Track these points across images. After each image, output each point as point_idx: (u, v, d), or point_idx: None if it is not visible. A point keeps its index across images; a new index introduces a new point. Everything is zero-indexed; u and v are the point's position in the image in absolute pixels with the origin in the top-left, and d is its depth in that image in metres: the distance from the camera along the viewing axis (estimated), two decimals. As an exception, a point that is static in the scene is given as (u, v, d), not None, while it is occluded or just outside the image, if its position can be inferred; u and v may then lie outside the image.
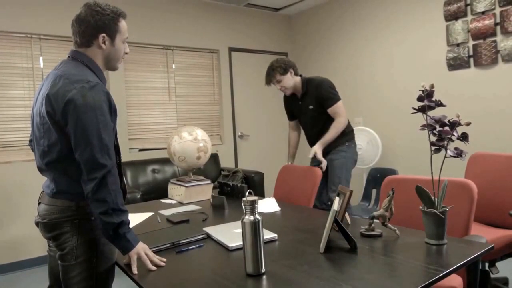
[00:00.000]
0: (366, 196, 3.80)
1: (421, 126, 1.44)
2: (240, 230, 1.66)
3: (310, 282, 1.12)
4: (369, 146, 4.10)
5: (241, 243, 1.44)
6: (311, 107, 2.76)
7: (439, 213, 1.35)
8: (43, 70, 3.62)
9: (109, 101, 1.32)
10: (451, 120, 1.38)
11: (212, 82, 4.76)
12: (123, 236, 1.30)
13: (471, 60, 3.55)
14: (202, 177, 2.57)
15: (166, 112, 4.39)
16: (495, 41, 3.36)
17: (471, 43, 3.53)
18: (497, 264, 2.13)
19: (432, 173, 1.49)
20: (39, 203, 1.42)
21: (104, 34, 1.39)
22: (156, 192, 3.80)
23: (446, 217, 1.37)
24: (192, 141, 2.44)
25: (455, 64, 3.66)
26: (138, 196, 3.25)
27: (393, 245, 1.40)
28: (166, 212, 2.19)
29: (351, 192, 1.61)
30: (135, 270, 1.29)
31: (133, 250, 1.32)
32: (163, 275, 1.26)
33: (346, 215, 1.71)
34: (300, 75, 2.81)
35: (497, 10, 3.34)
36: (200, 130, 2.54)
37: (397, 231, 1.49)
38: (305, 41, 5.26)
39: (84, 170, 1.27)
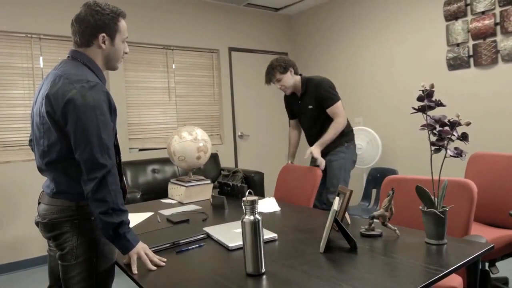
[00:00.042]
0: (366, 196, 3.80)
1: (421, 126, 1.44)
2: (240, 230, 1.66)
3: (310, 282, 1.12)
4: (369, 146, 4.10)
5: (241, 243, 1.44)
6: (310, 107, 2.74)
7: (439, 213, 1.35)
8: (43, 70, 3.62)
9: (109, 101, 1.32)
10: (451, 120, 1.38)
11: (212, 82, 4.76)
12: (123, 236, 1.30)
13: (471, 60, 3.55)
14: (202, 177, 2.57)
15: (166, 112, 4.39)
16: (495, 41, 3.36)
17: (471, 43, 3.53)
18: (497, 264, 2.13)
19: (432, 173, 1.49)
20: (39, 203, 1.42)
21: (104, 34, 1.39)
22: (156, 192, 3.79)
23: (446, 217, 1.37)
24: (192, 141, 2.44)
25: (455, 64, 3.66)
26: (138, 196, 3.25)
27: (393, 245, 1.40)
28: (166, 212, 2.19)
29: (351, 192, 1.61)
30: (135, 270, 1.29)
31: (133, 250, 1.32)
32: (163, 275, 1.26)
33: (346, 215, 1.71)
34: (300, 74, 2.80)
35: (497, 10, 3.34)
36: (200, 130, 2.54)
37: (397, 231, 1.49)
38: (305, 41, 5.26)
39: (84, 170, 1.26)
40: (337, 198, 1.49)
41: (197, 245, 1.53)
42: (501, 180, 2.27)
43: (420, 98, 1.41)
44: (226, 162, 4.77)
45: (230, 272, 1.24)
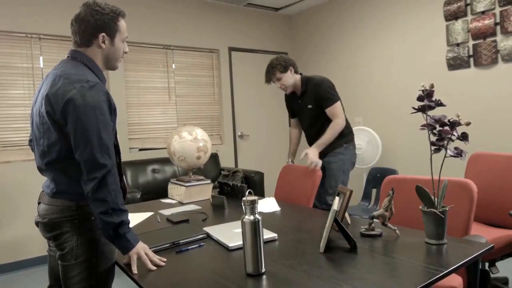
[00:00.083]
0: (366, 196, 3.80)
1: (421, 126, 1.44)
2: (240, 230, 1.66)
3: (310, 282, 1.12)
4: (369, 146, 4.10)
5: (241, 243, 1.44)
6: (309, 107, 2.73)
7: (439, 213, 1.35)
8: (43, 70, 3.62)
9: (108, 101, 1.32)
10: (451, 120, 1.38)
11: (212, 82, 4.76)
12: (123, 236, 1.30)
13: (471, 60, 3.55)
14: (202, 177, 2.57)
15: (166, 112, 4.39)
16: (495, 41, 3.36)
17: (471, 43, 3.53)
18: (497, 264, 2.13)
19: (432, 173, 1.49)
20: (39, 203, 1.42)
21: (104, 34, 1.39)
22: (156, 192, 3.80)
23: (446, 217, 1.37)
24: (192, 141, 2.44)
25: (455, 64, 3.66)
26: (138, 196, 3.25)
27: (393, 245, 1.40)
28: (166, 212, 2.19)
29: (351, 192, 1.61)
30: (135, 270, 1.29)
31: (133, 250, 1.32)
32: (163, 275, 1.26)
33: (346, 215, 1.71)
34: (300, 74, 2.79)
35: (497, 10, 3.34)
36: (200, 130, 2.54)
37: (397, 231, 1.49)
38: (305, 41, 5.26)
39: (84, 170, 1.26)
40: (337, 198, 1.49)
41: (197, 245, 1.53)
42: (501, 180, 2.27)
43: (420, 98, 1.41)
44: (226, 162, 4.77)
45: (230, 272, 1.24)
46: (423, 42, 3.91)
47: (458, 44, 3.62)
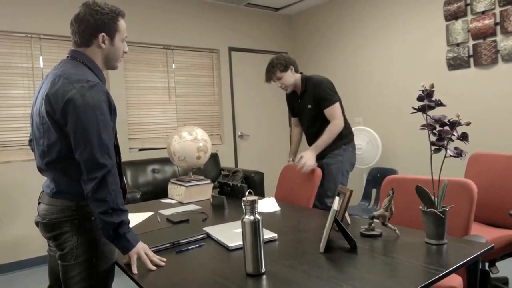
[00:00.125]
0: (366, 196, 3.80)
1: (421, 126, 1.44)
2: (240, 230, 1.66)
3: (310, 282, 1.12)
4: (369, 146, 4.10)
5: (241, 243, 1.44)
6: (309, 107, 2.70)
7: (439, 213, 1.35)
8: (43, 70, 3.62)
9: (108, 101, 1.32)
10: (451, 120, 1.38)
11: (212, 82, 4.76)
12: (123, 236, 1.30)
13: (471, 60, 3.55)
14: (202, 177, 2.57)
15: (166, 112, 4.39)
16: (495, 41, 3.36)
17: (471, 43, 3.53)
18: (497, 264, 2.13)
19: (432, 173, 1.49)
20: (39, 203, 1.42)
21: (103, 34, 1.39)
22: (156, 192, 3.80)
23: (446, 217, 1.37)
24: (192, 141, 2.44)
25: (455, 64, 3.66)
26: (138, 196, 3.25)
27: (393, 245, 1.40)
28: (166, 212, 2.19)
29: (351, 192, 1.61)
30: (135, 270, 1.29)
31: (133, 250, 1.32)
32: (163, 275, 1.26)
33: (346, 215, 1.71)
34: (301, 73, 2.76)
35: (497, 10, 3.34)
36: (200, 129, 2.54)
37: (397, 231, 1.49)
38: (305, 41, 5.26)
39: (84, 170, 1.26)
40: (337, 198, 1.49)
41: (197, 245, 1.53)
42: (501, 180, 2.27)
43: (420, 98, 1.41)
44: (226, 162, 4.77)
45: (230, 272, 1.24)
46: (423, 42, 3.91)
47: (458, 44, 3.62)
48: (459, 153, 1.37)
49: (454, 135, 1.36)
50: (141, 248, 1.34)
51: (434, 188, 1.51)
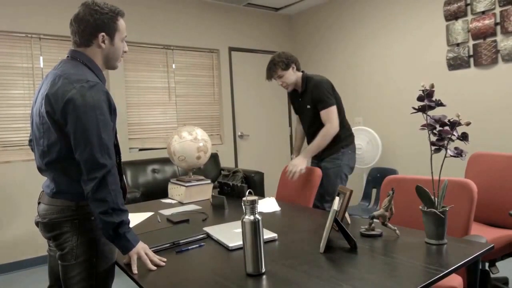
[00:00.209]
0: (366, 196, 3.80)
1: (421, 126, 1.44)
2: (240, 230, 1.66)
3: (310, 282, 1.12)
4: (369, 146, 4.10)
5: (241, 243, 1.44)
6: (308, 107, 2.67)
7: (439, 213, 1.35)
8: (43, 70, 3.62)
9: (108, 101, 1.32)
10: (451, 120, 1.38)
11: (212, 82, 4.76)
12: (123, 236, 1.30)
13: (471, 60, 3.55)
14: (202, 177, 2.57)
15: (166, 112, 4.39)
16: (495, 41, 3.36)
17: (471, 43, 3.53)
18: (497, 264, 2.13)
19: (432, 173, 1.49)
20: (39, 203, 1.42)
21: (103, 33, 1.39)
22: (156, 192, 3.80)
23: (446, 217, 1.37)
24: (192, 141, 2.44)
25: (455, 64, 3.66)
26: (138, 196, 3.25)
27: (393, 245, 1.40)
28: (166, 212, 2.19)
29: (351, 192, 1.61)
30: (135, 270, 1.29)
31: (133, 250, 1.32)
32: (163, 275, 1.26)
33: (346, 215, 1.71)
34: (302, 71, 2.71)
35: (497, 10, 3.34)
36: (200, 129, 2.54)
37: (397, 231, 1.49)
38: (305, 41, 5.26)
39: (84, 170, 1.26)
40: (337, 198, 1.49)
41: (197, 245, 1.53)
42: (501, 180, 2.27)
43: (420, 98, 1.41)
44: (226, 162, 4.77)
45: (230, 272, 1.24)
46: (423, 42, 3.91)
47: (458, 44, 3.62)
48: (459, 153, 1.37)
49: (454, 135, 1.36)
50: (141, 248, 1.34)
51: (434, 188, 1.51)
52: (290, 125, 5.47)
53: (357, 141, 3.93)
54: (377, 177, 3.74)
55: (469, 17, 3.52)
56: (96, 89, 1.28)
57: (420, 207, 1.42)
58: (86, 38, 1.38)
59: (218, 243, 1.55)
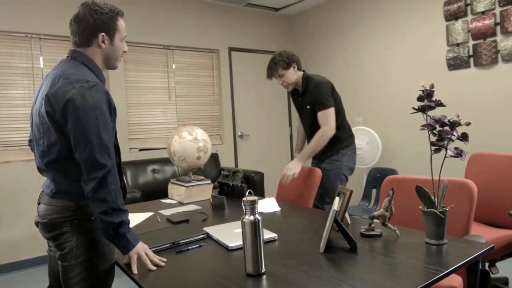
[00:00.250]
0: (366, 196, 3.80)
1: (421, 126, 1.44)
2: (240, 230, 1.66)
3: (310, 282, 1.12)
4: (369, 146, 4.10)
5: (241, 243, 1.44)
6: (308, 107, 2.65)
7: (439, 213, 1.35)
8: (43, 70, 3.62)
9: (108, 101, 1.32)
10: (451, 120, 1.38)
11: (212, 82, 4.76)
12: (123, 236, 1.30)
13: (471, 60, 3.55)
14: (202, 177, 2.57)
15: (166, 112, 4.39)
16: (495, 41, 3.36)
17: (471, 43, 3.53)
18: (497, 264, 2.13)
19: (432, 173, 1.49)
20: (38, 203, 1.42)
21: (103, 33, 1.39)
22: (156, 192, 3.80)
23: (446, 217, 1.37)
24: (192, 141, 2.44)
25: (455, 64, 3.66)
26: (138, 196, 3.25)
27: (393, 245, 1.40)
28: (166, 212, 2.19)
29: (351, 192, 1.61)
30: (135, 270, 1.29)
31: (133, 250, 1.32)
32: (163, 275, 1.26)
33: (346, 215, 1.71)
34: (303, 71, 2.68)
35: (497, 10, 3.34)
36: (200, 130, 2.54)
37: (397, 231, 1.49)
38: (305, 41, 5.26)
39: (84, 170, 1.26)
40: (337, 198, 1.49)
41: (197, 245, 1.53)
42: (501, 180, 2.27)
43: (420, 98, 1.41)
44: (226, 162, 4.77)
45: (230, 272, 1.24)
46: (423, 42, 3.91)
47: (458, 44, 3.62)
48: (459, 153, 1.37)
49: (454, 135, 1.36)
50: (141, 248, 1.34)
51: (434, 188, 1.51)
52: (290, 125, 5.47)
53: (357, 141, 3.93)
54: (377, 177, 3.74)
55: (469, 17, 3.52)
56: (96, 89, 1.29)
57: (420, 207, 1.42)
58: (86, 38, 1.38)
59: (218, 243, 1.55)
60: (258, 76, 5.13)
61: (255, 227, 1.20)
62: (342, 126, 2.65)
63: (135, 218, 2.08)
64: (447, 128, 1.38)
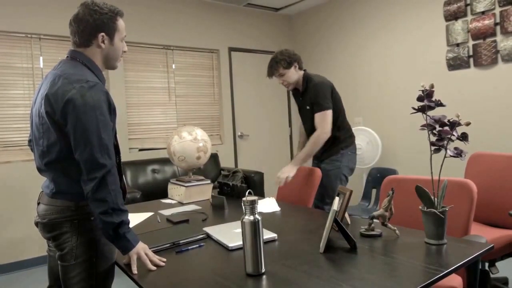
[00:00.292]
0: (366, 196, 3.80)
1: (421, 126, 1.44)
2: (240, 230, 1.66)
3: (310, 282, 1.12)
4: (369, 146, 4.10)
5: (241, 243, 1.44)
6: (308, 107, 2.63)
7: (439, 213, 1.35)
8: (43, 70, 3.62)
9: (108, 101, 1.32)
10: (450, 120, 1.38)
11: (212, 82, 4.76)
12: (123, 236, 1.30)
13: (471, 60, 3.55)
14: (202, 177, 2.57)
15: (166, 112, 4.39)
16: (495, 41, 3.36)
17: (471, 43, 3.53)
18: (497, 264, 2.13)
19: (432, 173, 1.49)
20: (38, 203, 1.42)
21: (103, 33, 1.39)
22: (156, 192, 3.80)
23: (446, 217, 1.37)
24: (192, 141, 2.44)
25: (455, 64, 3.66)
26: (138, 196, 3.25)
27: (393, 245, 1.40)
28: (166, 212, 2.19)
29: (351, 192, 1.61)
30: (135, 270, 1.29)
31: (133, 250, 1.32)
32: (163, 275, 1.26)
33: (346, 215, 1.71)
34: (304, 70, 2.66)
35: (497, 10, 3.34)
36: (200, 130, 2.54)
37: (397, 231, 1.49)
38: (305, 41, 5.26)
39: (84, 170, 1.26)
40: (337, 198, 1.49)
41: (197, 245, 1.53)
42: (501, 180, 2.27)
43: (420, 98, 1.41)
44: (226, 162, 4.77)
45: (230, 272, 1.24)
46: (423, 42, 3.91)
47: (458, 44, 3.62)
48: (459, 153, 1.37)
49: (454, 135, 1.36)
50: (141, 248, 1.34)
51: (434, 188, 1.51)
52: (290, 125, 5.47)
53: (357, 141, 3.91)
54: (377, 177, 3.74)
55: (469, 17, 3.52)
56: (96, 89, 1.28)
57: (420, 207, 1.42)
58: (85, 38, 1.38)
59: (218, 243, 1.55)
60: (258, 76, 5.13)
61: (255, 227, 1.20)
62: (343, 126, 2.65)
63: (135, 218, 2.08)
64: (447, 128, 1.38)
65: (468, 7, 3.53)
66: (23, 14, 3.50)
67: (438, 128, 1.40)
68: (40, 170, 1.41)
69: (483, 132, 3.52)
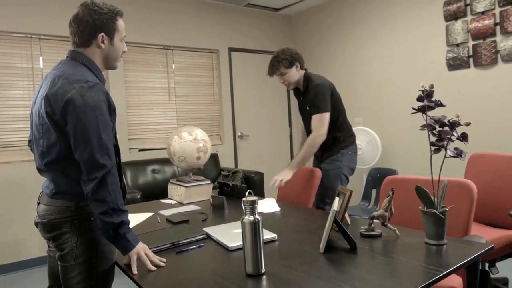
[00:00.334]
0: (366, 196, 3.80)
1: (421, 126, 1.44)
2: (240, 230, 1.66)
3: (310, 282, 1.12)
4: (369, 146, 4.10)
5: (241, 243, 1.44)
6: (307, 108, 2.62)
7: (439, 213, 1.35)
8: (43, 70, 3.62)
9: (108, 101, 1.32)
10: (450, 120, 1.38)
11: (212, 82, 4.76)
12: (123, 236, 1.30)
13: (471, 60, 3.55)
14: (202, 177, 2.57)
15: (166, 112, 4.39)
16: (494, 41, 3.36)
17: (470, 43, 3.53)
18: (497, 264, 2.13)
19: (432, 173, 1.49)
20: (38, 204, 1.42)
21: (102, 34, 1.39)
22: (156, 192, 3.79)
23: (446, 217, 1.37)
24: (192, 141, 2.44)
25: (454, 64, 3.66)
26: (138, 196, 3.25)
27: (393, 245, 1.40)
28: (166, 212, 2.19)
29: (351, 192, 1.61)
30: (135, 270, 1.29)
31: (133, 250, 1.32)
32: (163, 275, 1.26)
33: (346, 215, 1.71)
34: (305, 69, 2.63)
35: (497, 10, 3.34)
36: (200, 130, 2.54)
37: (397, 231, 1.49)
38: (305, 41, 5.26)
39: (83, 170, 1.26)
40: (337, 199, 1.49)
41: (197, 246, 1.53)
42: (501, 180, 2.27)
43: (420, 98, 1.41)
44: (226, 162, 4.77)
45: (230, 272, 1.24)
46: (423, 42, 3.91)
47: (458, 45, 3.62)
48: (459, 154, 1.37)
49: (453, 135, 1.36)
50: (141, 248, 1.34)
51: (434, 188, 1.51)
52: (290, 125, 5.47)
53: (357, 141, 3.91)
54: (377, 177, 3.74)
55: (469, 17, 3.52)
56: (95, 89, 1.28)
57: (420, 207, 1.42)
58: (85, 38, 1.38)
59: (218, 244, 1.55)
60: (258, 76, 5.13)
61: (255, 227, 1.20)
62: (343, 126, 2.64)
63: (135, 219, 2.08)
64: (446, 128, 1.38)
65: (468, 7, 3.53)
66: (23, 14, 3.50)
67: (438, 128, 1.40)
68: (40, 170, 1.41)
69: (483, 132, 3.52)
